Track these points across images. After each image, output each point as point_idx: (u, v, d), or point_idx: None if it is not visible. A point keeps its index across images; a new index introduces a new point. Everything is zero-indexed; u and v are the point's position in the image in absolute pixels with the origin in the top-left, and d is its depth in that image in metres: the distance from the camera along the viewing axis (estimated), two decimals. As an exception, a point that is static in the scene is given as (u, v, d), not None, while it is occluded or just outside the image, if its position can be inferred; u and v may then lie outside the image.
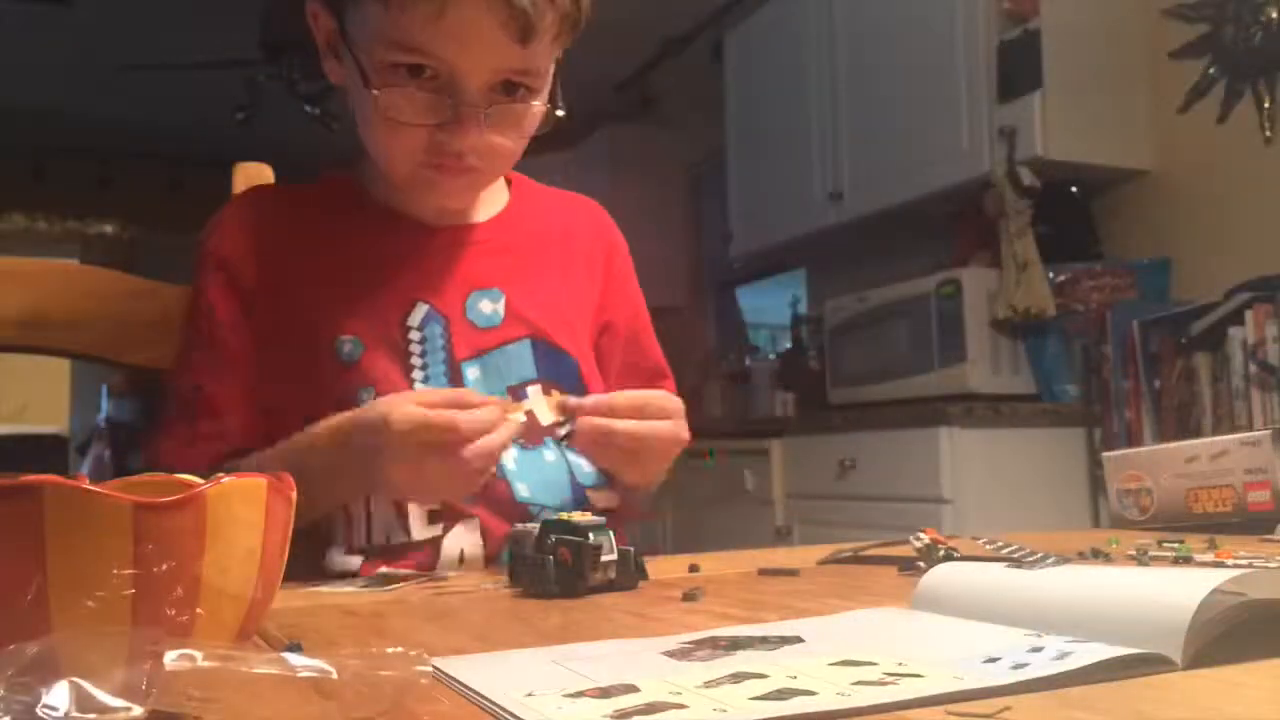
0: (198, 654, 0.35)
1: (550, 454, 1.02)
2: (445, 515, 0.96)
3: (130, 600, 0.39)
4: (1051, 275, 2.75)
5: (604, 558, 0.70)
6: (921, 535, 0.81)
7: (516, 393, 1.02)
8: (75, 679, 0.33)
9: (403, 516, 0.95)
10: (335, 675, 0.37)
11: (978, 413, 2.67)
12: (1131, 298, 2.70)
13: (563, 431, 0.93)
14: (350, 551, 0.95)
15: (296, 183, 1.12)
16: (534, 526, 0.73)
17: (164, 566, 0.40)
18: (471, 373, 1.01)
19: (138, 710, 0.33)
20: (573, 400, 0.94)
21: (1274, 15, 2.53)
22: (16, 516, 0.39)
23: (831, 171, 3.47)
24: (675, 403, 0.97)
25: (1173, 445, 1.06)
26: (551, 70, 0.96)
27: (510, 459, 0.99)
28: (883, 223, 3.36)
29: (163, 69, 4.43)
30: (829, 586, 0.72)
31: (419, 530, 0.95)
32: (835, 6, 3.45)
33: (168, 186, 6.08)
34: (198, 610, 0.41)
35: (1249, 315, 2.30)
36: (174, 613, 0.40)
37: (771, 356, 4.28)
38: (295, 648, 0.49)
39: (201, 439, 0.98)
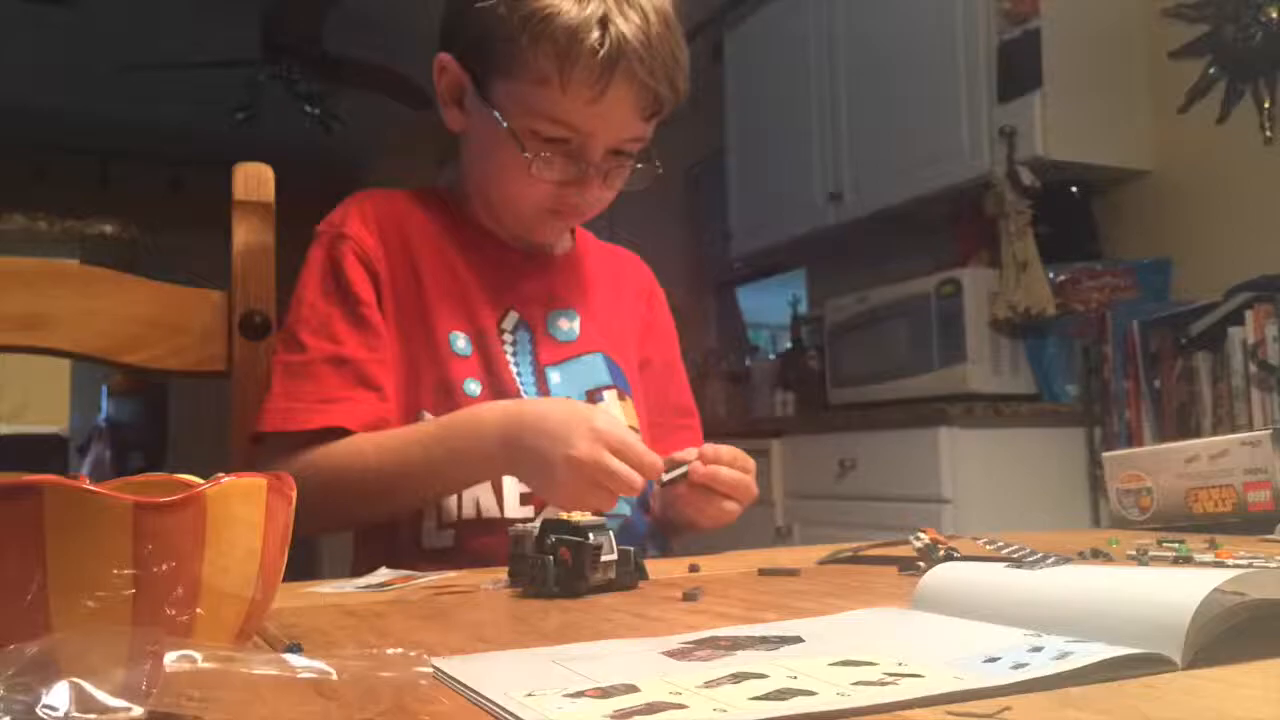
0: (198, 655, 0.35)
1: None
2: (536, 499, 1.05)
3: (130, 600, 0.39)
4: (1051, 275, 2.75)
5: (604, 557, 0.70)
6: (921, 535, 0.81)
7: (594, 396, 1.13)
8: (75, 679, 0.33)
9: (498, 493, 1.05)
10: (335, 676, 0.37)
11: (978, 413, 2.67)
12: (1131, 298, 2.70)
13: (667, 477, 0.98)
14: (442, 527, 1.04)
15: (400, 188, 1.22)
16: (534, 526, 0.73)
17: (164, 566, 0.40)
18: (555, 376, 1.12)
19: (138, 710, 0.33)
20: (679, 454, 1.00)
21: (1274, 15, 2.53)
22: (16, 516, 0.39)
23: (831, 171, 3.47)
24: (751, 461, 1.04)
25: (1173, 445, 1.06)
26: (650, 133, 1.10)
27: None
28: (883, 223, 3.36)
29: (163, 69, 4.43)
30: (829, 586, 0.72)
31: (511, 509, 1.05)
32: (835, 6, 3.45)
33: (168, 186, 6.09)
34: (198, 610, 0.41)
35: (1249, 315, 2.30)
36: (174, 613, 0.40)
37: (771, 356, 4.28)
38: (295, 648, 0.49)
39: (363, 404, 1.04)
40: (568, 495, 0.93)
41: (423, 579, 0.83)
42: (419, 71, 4.43)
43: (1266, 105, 2.56)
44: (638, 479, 0.91)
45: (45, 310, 1.06)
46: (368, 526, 1.10)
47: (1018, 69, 2.76)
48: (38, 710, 0.32)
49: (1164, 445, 1.09)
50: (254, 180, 1.16)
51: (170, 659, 0.34)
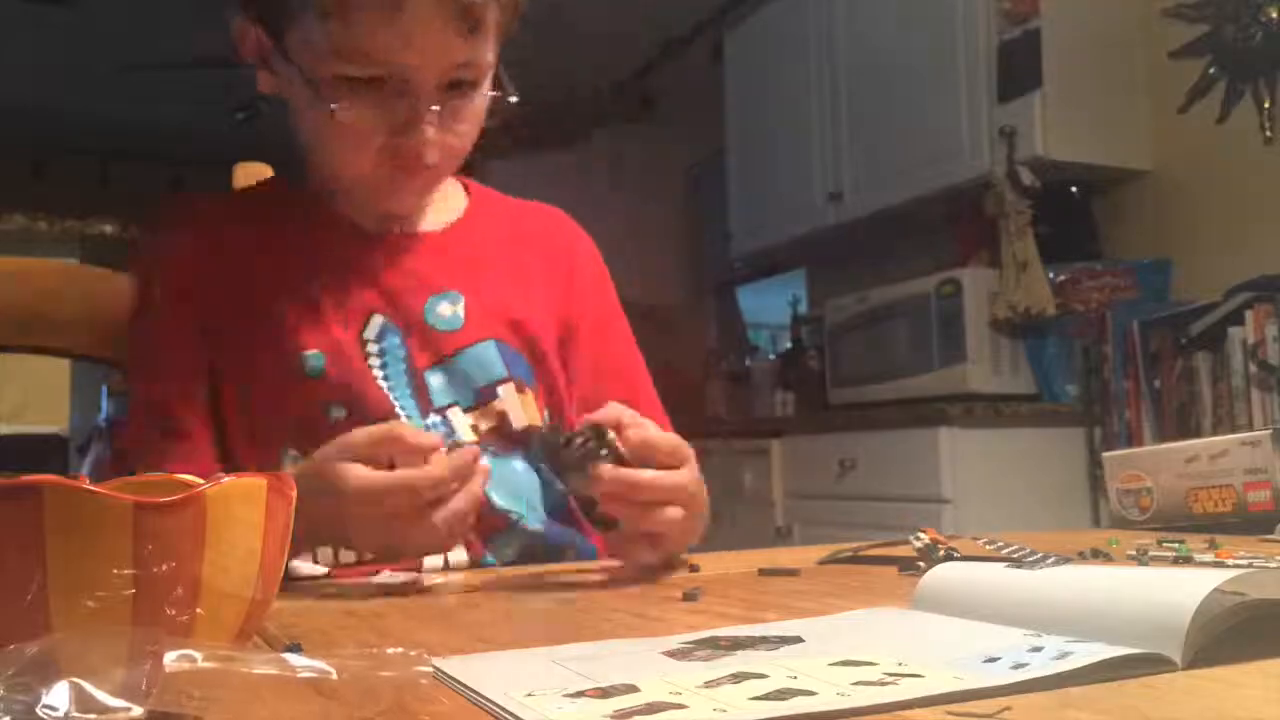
0: (198, 655, 0.35)
1: (519, 463, 1.00)
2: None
3: (130, 600, 0.39)
4: (1051, 275, 2.75)
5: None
6: (921, 535, 0.81)
7: (488, 393, 0.99)
8: (75, 679, 0.33)
9: None
10: (335, 676, 0.37)
11: (978, 413, 2.67)
12: (1131, 298, 2.70)
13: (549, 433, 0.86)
14: (318, 561, 0.91)
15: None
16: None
17: (164, 566, 0.40)
18: (434, 380, 0.98)
19: (138, 710, 0.33)
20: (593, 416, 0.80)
21: (1274, 15, 2.53)
22: (16, 516, 0.39)
23: (831, 171, 3.47)
24: (687, 449, 0.82)
25: (1173, 445, 1.06)
26: (493, 59, 0.94)
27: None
28: (883, 223, 3.36)
29: (163, 69, 4.43)
30: (829, 586, 0.72)
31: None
32: (835, 6, 3.45)
33: (168, 186, 6.08)
34: (198, 610, 0.41)
35: (1249, 315, 2.30)
36: (174, 613, 0.40)
37: (771, 356, 4.28)
38: (295, 648, 0.49)
39: (175, 459, 0.93)
40: (378, 541, 0.79)
41: (422, 580, 0.83)
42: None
43: (1266, 105, 2.56)
44: (416, 483, 0.74)
45: (45, 310, 1.06)
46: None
47: (1018, 69, 2.76)
48: (38, 710, 0.32)
49: (1164, 445, 1.09)
50: (253, 180, 1.16)
51: (170, 659, 0.34)
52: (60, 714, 0.32)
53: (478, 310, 1.01)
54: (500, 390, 1.00)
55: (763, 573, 0.79)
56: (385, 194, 0.98)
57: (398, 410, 0.95)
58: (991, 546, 0.73)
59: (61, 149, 5.84)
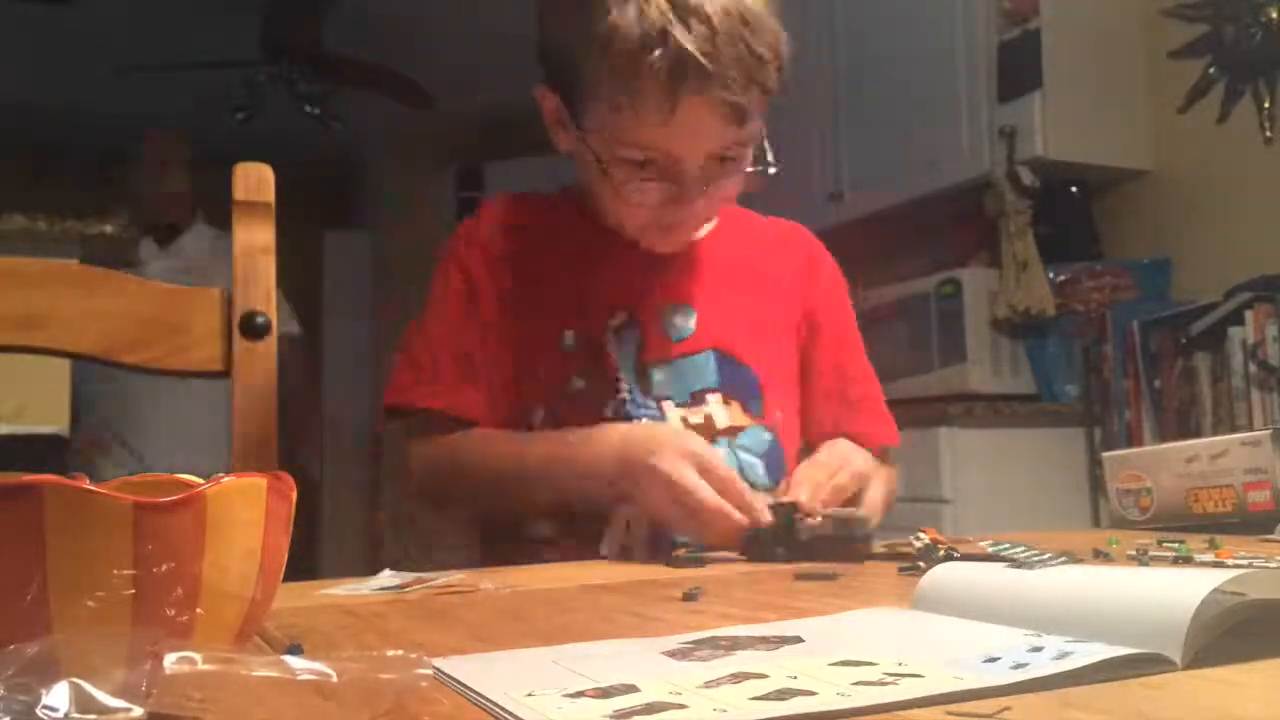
0: (197, 656, 0.35)
1: (722, 451, 1.11)
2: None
3: (130, 600, 0.39)
4: (1051, 275, 2.75)
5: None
6: (921, 535, 0.81)
7: (699, 397, 1.13)
8: (75, 679, 0.33)
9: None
10: (335, 678, 0.37)
11: (978, 413, 2.67)
12: (1131, 298, 2.70)
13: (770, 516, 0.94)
14: (542, 518, 1.10)
15: (532, 197, 1.27)
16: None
17: (164, 566, 0.40)
18: (657, 375, 1.13)
19: (138, 711, 0.33)
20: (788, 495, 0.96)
21: (1274, 15, 2.53)
22: (16, 516, 0.39)
23: (831, 171, 3.47)
24: (861, 458, 1.04)
25: (1173, 445, 1.06)
26: (757, 126, 1.06)
27: None
28: (883, 223, 3.36)
29: (163, 69, 4.43)
30: (829, 586, 0.72)
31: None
32: (835, 6, 3.45)
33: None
34: (198, 610, 0.41)
35: (1249, 315, 2.30)
36: (174, 613, 0.40)
37: (771, 356, 4.27)
38: (296, 648, 0.49)
39: (469, 402, 1.12)
40: (648, 503, 0.96)
41: (430, 580, 0.83)
42: (419, 71, 4.44)
43: (1266, 105, 2.56)
44: (723, 505, 0.91)
45: (45, 310, 1.06)
46: (488, 516, 1.17)
47: (1018, 69, 2.76)
48: (38, 711, 0.32)
49: (1164, 445, 1.09)
50: (254, 180, 1.16)
51: (170, 661, 0.34)
52: (60, 714, 0.32)
53: (707, 323, 1.16)
54: (709, 397, 1.14)
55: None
56: (654, 244, 1.14)
57: (623, 389, 1.11)
58: (996, 547, 0.73)
59: (61, 149, 5.84)
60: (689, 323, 1.16)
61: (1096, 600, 0.47)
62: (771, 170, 1.08)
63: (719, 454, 0.97)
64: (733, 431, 1.14)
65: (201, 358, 1.11)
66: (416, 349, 1.17)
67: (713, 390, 1.15)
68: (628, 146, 1.03)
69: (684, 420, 1.13)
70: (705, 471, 0.92)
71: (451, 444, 1.12)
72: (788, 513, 0.89)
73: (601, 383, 1.12)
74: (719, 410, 1.14)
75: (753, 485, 1.07)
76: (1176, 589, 0.44)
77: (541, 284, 1.16)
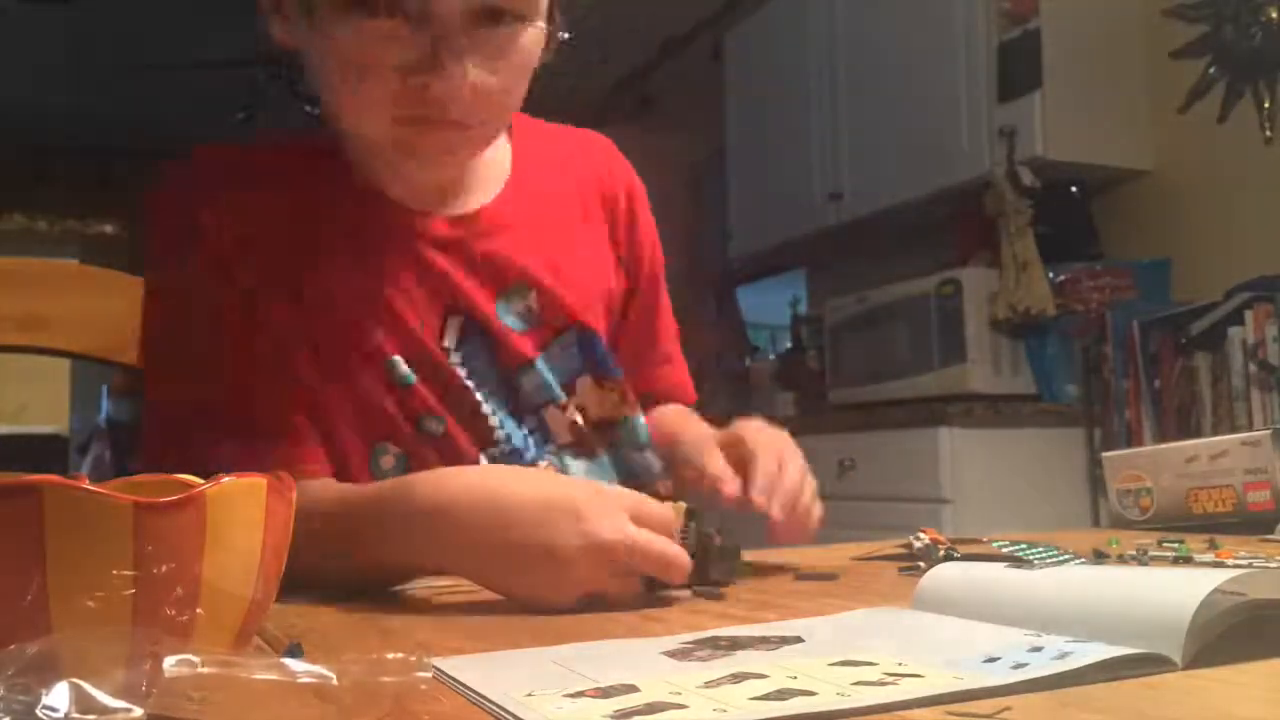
0: (197, 660, 0.35)
1: (604, 461, 0.96)
2: None
3: (130, 600, 0.39)
4: (1051, 275, 2.75)
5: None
6: (921, 535, 0.81)
7: (570, 389, 0.93)
8: (75, 679, 0.33)
9: None
10: (335, 680, 0.37)
11: (978, 413, 2.67)
12: (1131, 298, 2.70)
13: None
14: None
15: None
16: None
17: (164, 567, 0.40)
18: (526, 383, 0.90)
19: (137, 711, 0.33)
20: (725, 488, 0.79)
21: (1274, 15, 2.53)
22: (16, 516, 0.39)
23: (831, 171, 3.47)
24: (780, 436, 0.86)
25: (1173, 445, 1.06)
26: None
27: (580, 469, 0.92)
28: (883, 223, 3.36)
29: (163, 69, 4.43)
30: (829, 587, 0.72)
31: None
32: (836, 6, 3.45)
33: (168, 186, 6.08)
34: (198, 610, 0.41)
35: (1249, 315, 2.30)
36: (174, 613, 0.40)
37: (771, 356, 4.28)
38: (295, 649, 0.49)
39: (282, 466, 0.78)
40: (574, 583, 0.65)
41: (426, 584, 0.83)
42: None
43: (1266, 105, 2.56)
44: (678, 556, 0.66)
45: (45, 310, 1.06)
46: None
47: (1018, 69, 2.76)
48: (38, 711, 0.32)
49: (1164, 445, 1.09)
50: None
51: (170, 664, 0.34)
52: (60, 715, 0.32)
53: (550, 300, 0.92)
54: (578, 383, 0.94)
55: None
56: (411, 157, 0.83)
57: (494, 425, 0.87)
58: (1012, 548, 0.73)
59: (61, 149, 5.84)
60: (530, 304, 0.91)
61: (1096, 600, 0.47)
62: (564, 35, 0.82)
63: (634, 498, 0.68)
64: (608, 428, 0.94)
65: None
66: (169, 402, 0.85)
67: (579, 375, 0.94)
68: None
69: (571, 426, 0.92)
70: (640, 519, 0.66)
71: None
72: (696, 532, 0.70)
73: (463, 421, 0.86)
74: (590, 397, 0.93)
75: (644, 485, 0.93)
76: (1176, 589, 0.44)
77: (317, 282, 0.84)
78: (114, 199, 6.13)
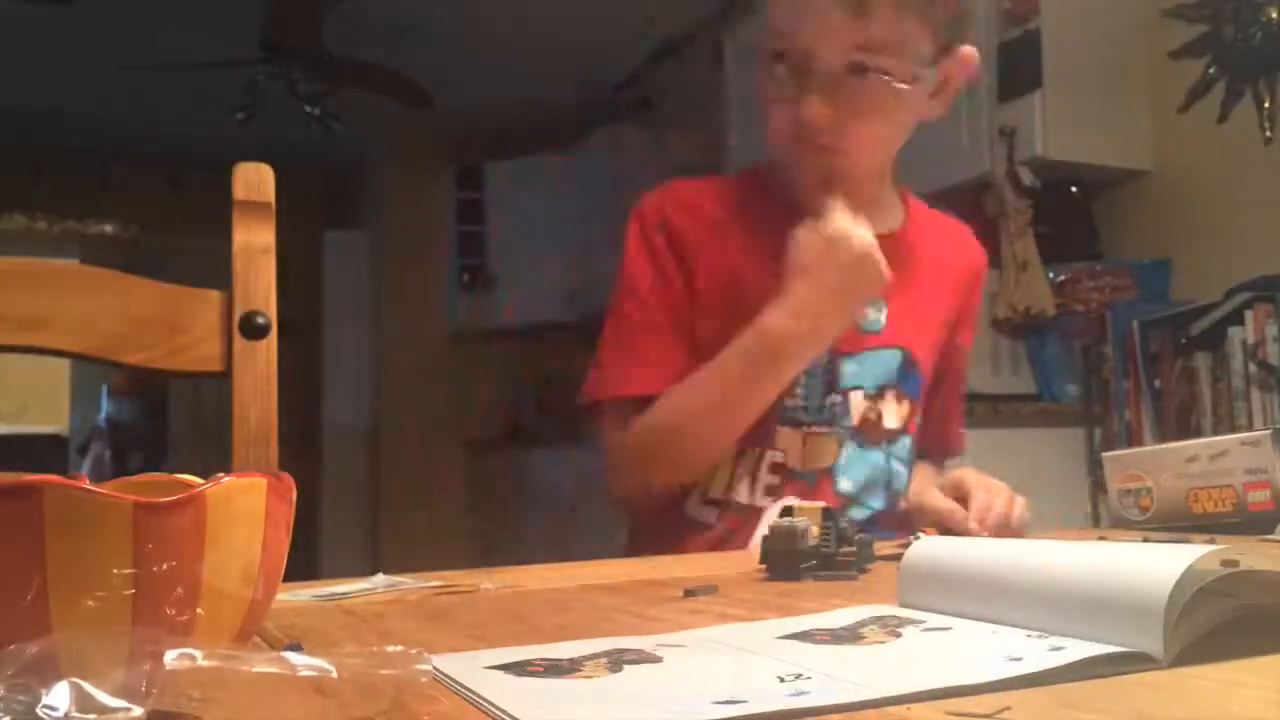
0: (197, 654, 0.35)
1: (879, 456, 1.15)
2: (778, 493, 1.11)
3: (130, 600, 0.39)
4: (1051, 275, 2.74)
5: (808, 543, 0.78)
6: (921, 535, 0.80)
7: (881, 391, 1.14)
8: (75, 679, 0.33)
9: (751, 484, 1.11)
10: (335, 674, 0.37)
11: (978, 413, 2.66)
12: (1131, 298, 2.70)
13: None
14: (705, 503, 1.12)
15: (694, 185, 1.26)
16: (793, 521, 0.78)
17: (164, 566, 0.40)
18: (848, 367, 1.13)
19: (137, 711, 0.33)
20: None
21: (1274, 15, 2.53)
22: (16, 516, 0.39)
23: (831, 171, 3.47)
24: (991, 480, 1.05)
25: (1173, 445, 1.06)
26: (919, 52, 1.05)
27: (845, 454, 1.13)
28: (883, 223, 3.36)
29: (163, 69, 4.43)
30: (829, 587, 0.72)
31: (759, 498, 1.11)
32: (835, 6, 3.45)
33: (168, 186, 6.09)
34: (198, 610, 0.41)
35: (1249, 315, 2.30)
36: (174, 613, 0.40)
37: (771, 356, 4.27)
38: (295, 648, 0.49)
39: (660, 376, 1.11)
40: (844, 287, 1.02)
41: (419, 585, 0.83)
42: (419, 71, 4.44)
43: (1266, 105, 2.56)
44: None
45: (44, 310, 1.06)
46: (709, 464, 1.14)
47: (1018, 69, 2.76)
48: (38, 710, 0.32)
49: (1164, 445, 1.09)
50: (254, 180, 1.15)
51: (170, 659, 0.34)
52: (60, 714, 0.32)
53: (896, 319, 1.16)
54: (887, 394, 1.15)
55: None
56: (795, 165, 1.12)
57: (796, 389, 1.11)
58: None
59: (61, 149, 5.84)
60: (880, 317, 1.16)
61: (1077, 595, 0.47)
62: (901, 85, 1.05)
63: (844, 232, 1.02)
64: (894, 435, 1.16)
65: (201, 358, 1.11)
66: (619, 336, 1.16)
67: (890, 386, 1.16)
68: (770, 38, 1.07)
69: (864, 416, 1.14)
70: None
71: (649, 414, 1.11)
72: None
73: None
74: (891, 410, 1.15)
75: (895, 493, 1.15)
76: (1149, 582, 0.44)
77: (743, 271, 1.14)
78: (114, 199, 6.13)
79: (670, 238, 1.15)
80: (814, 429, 1.13)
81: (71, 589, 0.39)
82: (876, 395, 1.14)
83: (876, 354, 1.15)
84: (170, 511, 0.40)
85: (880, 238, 1.10)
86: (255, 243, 1.13)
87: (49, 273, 1.09)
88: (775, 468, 1.12)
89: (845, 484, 1.13)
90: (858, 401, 1.14)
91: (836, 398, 1.13)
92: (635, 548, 1.21)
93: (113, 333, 1.08)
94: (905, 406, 1.17)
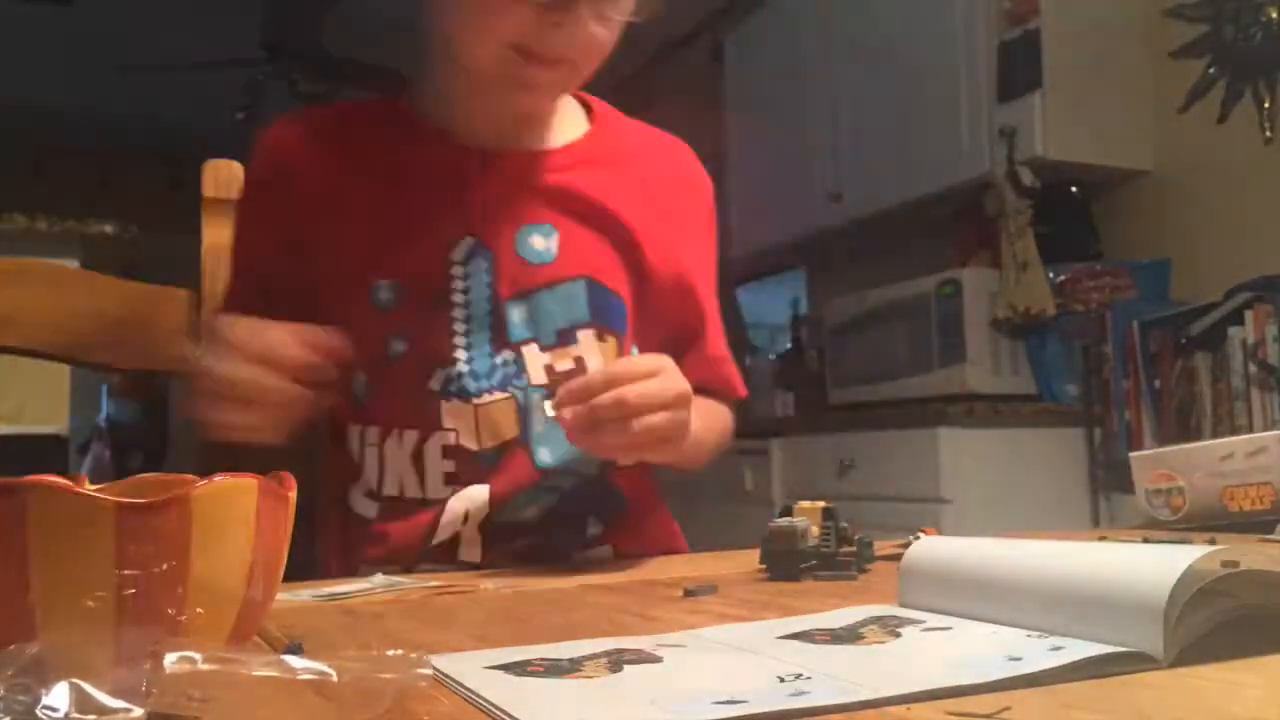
0: (197, 656, 0.35)
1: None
2: (459, 480, 0.94)
3: (115, 601, 0.39)
4: (1051, 275, 2.74)
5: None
6: (921, 535, 0.80)
7: (567, 336, 0.96)
8: (75, 680, 0.33)
9: (419, 474, 0.94)
10: (335, 677, 0.37)
11: (978, 413, 2.66)
12: (1131, 298, 2.70)
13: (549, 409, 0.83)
14: (369, 496, 0.96)
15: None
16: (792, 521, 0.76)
17: (149, 567, 0.40)
18: (516, 313, 0.95)
19: (137, 711, 0.33)
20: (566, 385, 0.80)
21: (1274, 15, 2.53)
22: (1, 517, 0.39)
23: (831, 171, 3.47)
24: (659, 360, 0.83)
25: (1205, 443, 1.04)
26: None
27: (539, 422, 0.95)
28: (883, 223, 3.36)
29: (163, 69, 4.43)
30: (829, 587, 0.72)
31: (433, 489, 0.94)
32: (835, 7, 3.45)
33: (168, 186, 6.08)
34: (188, 610, 0.41)
35: (1249, 315, 2.30)
36: (162, 613, 0.40)
37: (771, 356, 4.27)
38: (295, 648, 0.49)
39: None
40: (196, 411, 0.79)
41: (417, 584, 0.83)
42: (419, 71, 4.43)
43: (1266, 105, 2.56)
44: (265, 378, 0.78)
45: (12, 309, 1.05)
46: None
47: (1018, 69, 2.76)
48: (38, 711, 0.32)
49: (1196, 444, 1.07)
50: (223, 177, 1.14)
51: (170, 660, 0.34)
52: (60, 715, 0.32)
53: (573, 246, 0.97)
54: (579, 335, 0.96)
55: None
56: (517, 86, 0.92)
57: (458, 354, 0.94)
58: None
59: (61, 149, 5.84)
60: (550, 245, 0.96)
61: (1077, 595, 0.47)
62: (635, 20, 0.91)
63: (253, 326, 0.81)
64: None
65: (169, 357, 1.10)
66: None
67: (584, 325, 0.96)
68: None
69: (548, 368, 0.95)
70: (238, 348, 0.79)
71: None
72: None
73: (427, 346, 0.94)
74: (592, 349, 0.96)
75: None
76: (1149, 582, 0.44)
77: (352, 217, 0.96)
78: (114, 199, 6.12)
79: (276, 168, 1.00)
80: (484, 399, 0.94)
81: (57, 589, 0.39)
82: (558, 343, 0.96)
83: (552, 291, 0.96)
84: (155, 512, 0.40)
85: (548, 154, 0.99)
86: (224, 240, 1.11)
87: (16, 271, 1.07)
88: (449, 451, 0.94)
89: (545, 455, 0.94)
90: (534, 354, 0.95)
91: (508, 353, 0.95)
92: (322, 545, 1.03)
93: (81, 331, 1.07)
94: (612, 345, 0.97)
